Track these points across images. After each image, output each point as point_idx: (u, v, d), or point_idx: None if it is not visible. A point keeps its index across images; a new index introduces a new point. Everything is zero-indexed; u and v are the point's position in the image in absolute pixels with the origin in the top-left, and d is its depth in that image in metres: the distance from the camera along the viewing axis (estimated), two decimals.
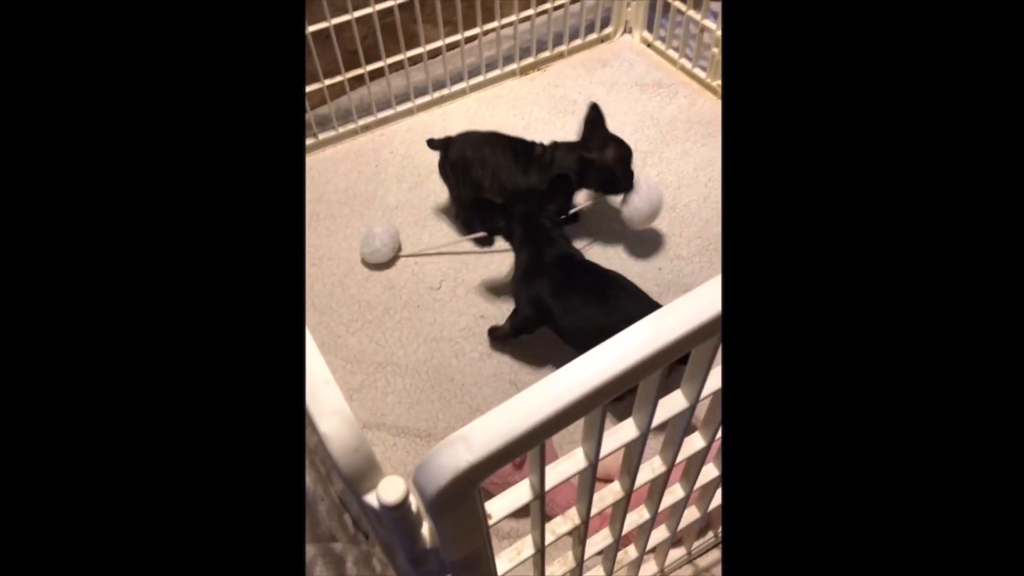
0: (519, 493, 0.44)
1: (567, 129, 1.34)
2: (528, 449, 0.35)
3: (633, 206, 1.09)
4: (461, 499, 0.35)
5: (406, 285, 1.12)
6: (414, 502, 0.36)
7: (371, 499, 0.35)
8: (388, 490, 0.34)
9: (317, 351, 0.37)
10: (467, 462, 0.33)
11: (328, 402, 0.35)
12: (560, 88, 1.42)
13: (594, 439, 0.42)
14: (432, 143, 1.14)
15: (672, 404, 0.47)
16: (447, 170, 1.13)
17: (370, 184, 1.27)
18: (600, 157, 1.07)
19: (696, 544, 0.82)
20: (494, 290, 1.12)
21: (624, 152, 1.08)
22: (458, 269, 1.14)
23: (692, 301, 0.38)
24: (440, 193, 1.24)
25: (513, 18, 1.36)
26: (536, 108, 1.38)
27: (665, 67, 1.46)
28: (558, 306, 0.93)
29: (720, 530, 0.83)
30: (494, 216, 1.00)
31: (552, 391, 0.35)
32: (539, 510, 0.46)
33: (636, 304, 0.91)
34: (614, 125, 1.37)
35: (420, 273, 1.13)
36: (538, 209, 1.00)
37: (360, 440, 0.34)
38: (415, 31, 1.28)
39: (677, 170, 1.27)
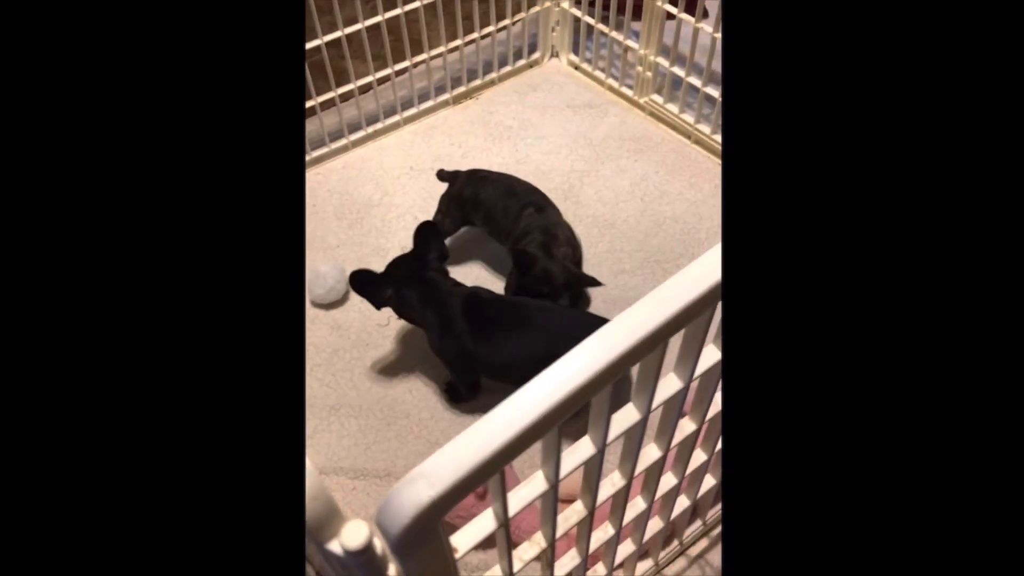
0: (483, 523, 0.44)
1: (504, 155, 1.35)
2: (489, 477, 0.36)
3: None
4: (425, 536, 0.35)
5: (353, 324, 1.11)
6: (378, 544, 0.36)
7: (334, 546, 0.34)
8: (351, 536, 0.34)
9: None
10: (429, 497, 0.33)
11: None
12: (494, 115, 1.44)
13: (553, 460, 0.43)
14: (441, 175, 1.16)
15: (626, 418, 0.48)
16: (444, 201, 1.14)
17: (309, 224, 1.26)
18: (546, 272, 1.00)
19: (662, 554, 0.83)
20: None
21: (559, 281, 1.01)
22: None
23: (632, 315, 0.39)
24: (381, 228, 1.24)
25: (442, 49, 1.37)
26: (472, 136, 1.40)
27: (594, 87, 1.50)
28: (484, 350, 0.92)
29: (684, 537, 0.84)
30: (378, 288, 0.94)
31: (506, 418, 0.35)
32: (504, 538, 0.46)
33: (557, 319, 0.91)
34: (549, 146, 1.40)
35: (368, 311, 1.12)
36: (420, 265, 0.95)
37: (318, 488, 0.34)
38: (344, 67, 1.28)
39: (614, 187, 1.30)
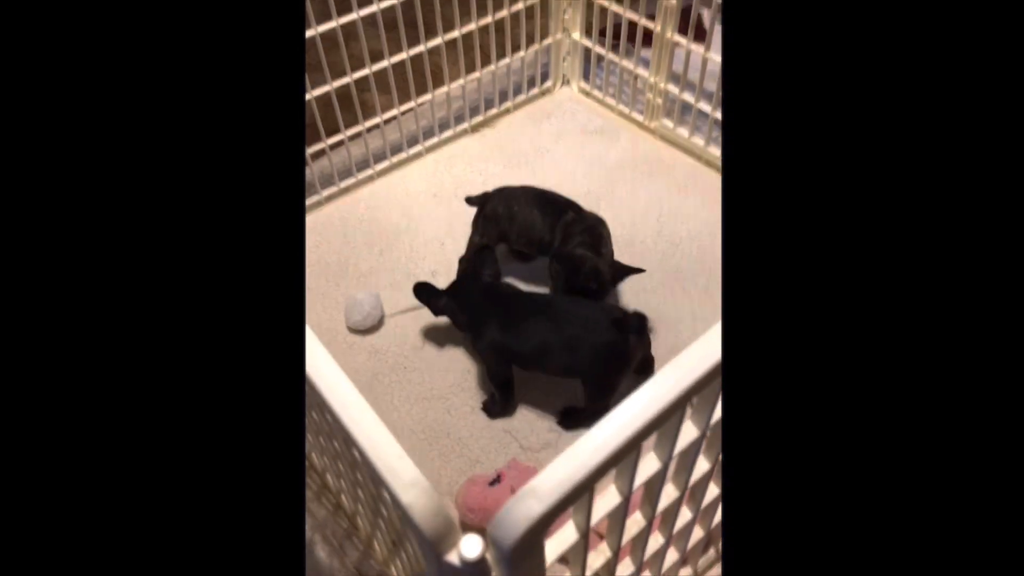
0: (566, 535, 0.48)
1: (522, 180, 1.40)
2: (584, 494, 0.41)
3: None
4: (533, 547, 0.40)
5: (390, 348, 1.16)
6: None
7: (452, 558, 0.39)
8: (469, 547, 0.39)
9: (386, 430, 0.42)
10: (538, 512, 0.38)
11: (405, 475, 0.40)
12: (512, 142, 1.50)
13: (628, 476, 0.48)
14: (470, 199, 1.23)
15: (685, 435, 0.53)
16: (479, 222, 1.21)
17: (340, 253, 1.31)
18: (595, 269, 1.07)
19: (700, 561, 0.88)
20: None
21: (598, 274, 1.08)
22: (440, 326, 1.18)
23: (696, 348, 0.44)
24: (410, 254, 1.29)
25: (460, 81, 1.43)
26: (491, 163, 1.45)
27: (605, 113, 1.56)
28: (512, 339, 0.99)
29: (720, 545, 0.89)
30: (435, 297, 1.08)
31: (596, 443, 0.40)
32: (583, 548, 0.51)
33: (583, 308, 0.99)
34: (565, 171, 1.45)
35: (404, 335, 1.17)
36: (472, 279, 1.08)
37: (439, 505, 0.39)
38: (371, 101, 1.34)
39: (630, 208, 1.35)
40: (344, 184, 1.40)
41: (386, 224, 1.35)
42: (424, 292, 1.08)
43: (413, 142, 1.46)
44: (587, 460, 0.39)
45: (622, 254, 1.28)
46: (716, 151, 1.40)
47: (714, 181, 1.40)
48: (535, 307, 1.01)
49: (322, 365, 0.46)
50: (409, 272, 1.27)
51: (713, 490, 0.70)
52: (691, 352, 0.44)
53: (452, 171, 1.44)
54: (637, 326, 0.97)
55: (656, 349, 1.08)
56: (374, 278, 1.26)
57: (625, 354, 0.97)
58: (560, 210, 1.17)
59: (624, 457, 0.41)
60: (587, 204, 1.21)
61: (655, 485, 0.54)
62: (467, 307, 1.05)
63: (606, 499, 0.50)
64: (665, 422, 0.43)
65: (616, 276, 1.11)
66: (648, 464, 0.51)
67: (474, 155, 1.48)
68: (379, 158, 1.43)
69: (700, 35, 1.35)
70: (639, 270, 1.11)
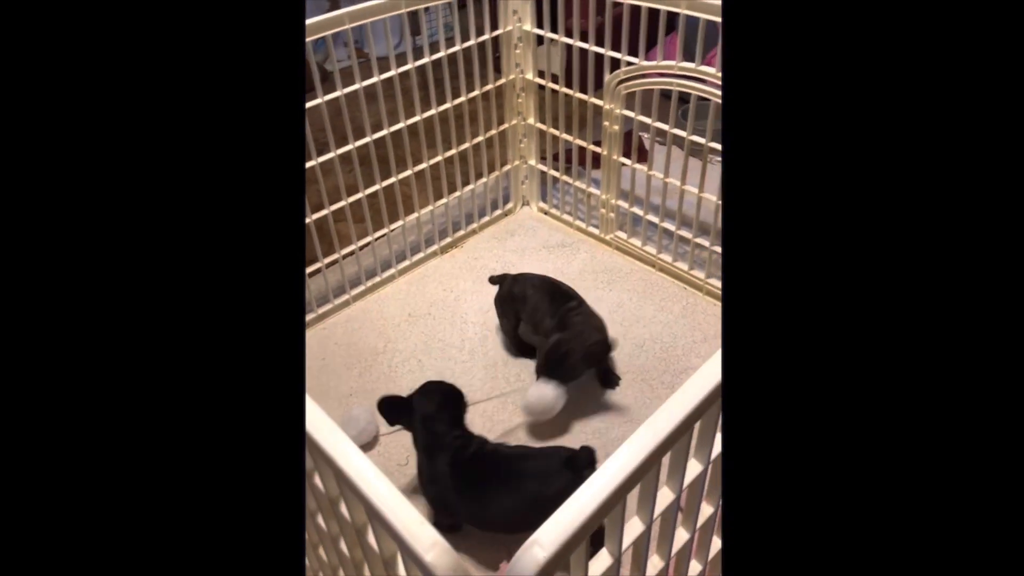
0: None
1: (491, 296, 1.49)
2: (581, 543, 0.46)
3: (530, 399, 1.18)
4: None
5: (378, 464, 1.19)
6: None
7: None
8: None
9: (406, 502, 0.47)
10: (544, 558, 0.43)
11: (426, 538, 0.45)
12: (479, 259, 1.60)
13: (617, 535, 0.53)
14: (492, 279, 1.36)
15: (663, 498, 0.59)
16: (499, 302, 1.33)
17: (321, 377, 1.36)
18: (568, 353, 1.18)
19: None
20: None
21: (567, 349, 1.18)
22: None
23: (667, 408, 0.51)
24: (388, 374, 1.35)
25: (430, 207, 1.55)
26: (461, 280, 1.55)
27: (564, 229, 1.68)
28: (474, 506, 0.99)
29: None
30: (396, 412, 1.05)
31: (587, 498, 0.46)
32: None
33: (534, 460, 0.99)
34: None
35: (385, 452, 1.21)
36: (436, 413, 1.04)
37: (459, 564, 0.44)
38: (346, 231, 1.44)
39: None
40: (322, 310, 1.47)
41: (363, 347, 1.41)
42: (390, 406, 1.05)
43: (387, 266, 1.55)
44: (576, 515, 0.45)
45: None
46: (668, 258, 1.52)
47: (668, 287, 1.51)
48: (499, 472, 0.99)
49: (344, 448, 0.51)
50: (389, 391, 1.31)
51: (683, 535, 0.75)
52: (650, 423, 0.51)
53: (425, 291, 1.53)
54: (587, 460, 0.98)
55: None
56: (355, 400, 1.31)
57: None
58: (565, 299, 1.27)
59: (608, 512, 0.47)
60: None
61: (641, 545, 0.59)
62: (423, 447, 1.03)
63: (599, 560, 0.55)
64: (645, 473, 0.49)
65: (589, 358, 1.19)
66: (632, 526, 0.57)
67: (445, 274, 1.57)
68: (355, 283, 1.51)
69: (643, 156, 1.50)
70: (612, 374, 1.22)
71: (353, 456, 0.50)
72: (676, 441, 0.51)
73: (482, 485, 0.99)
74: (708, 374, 0.53)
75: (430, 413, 1.04)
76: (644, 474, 0.49)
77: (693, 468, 0.61)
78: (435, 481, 1.02)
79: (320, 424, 0.52)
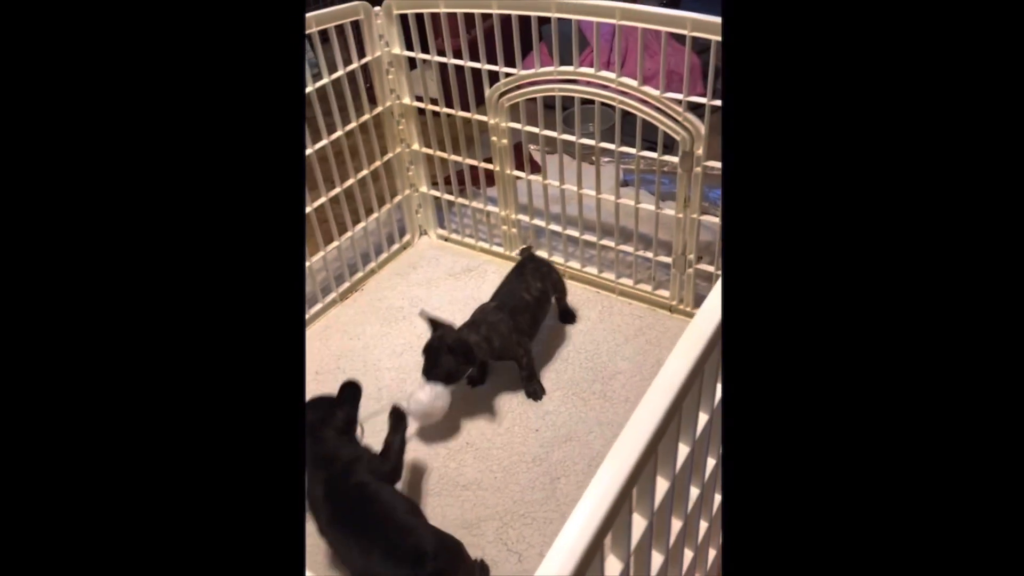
0: None
1: (404, 335, 1.42)
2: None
3: (410, 403, 1.14)
4: None
5: None
6: None
7: None
8: None
9: None
10: None
11: None
12: (383, 300, 1.51)
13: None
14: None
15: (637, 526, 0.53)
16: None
17: None
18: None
19: None
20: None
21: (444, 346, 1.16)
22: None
23: (620, 445, 0.46)
24: None
25: (321, 253, 1.45)
26: (367, 326, 1.45)
27: (467, 253, 1.62)
28: (332, 539, 0.94)
29: None
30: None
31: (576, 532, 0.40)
32: None
33: (391, 532, 0.90)
34: (444, 315, 1.47)
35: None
36: (323, 419, 1.00)
37: None
38: None
39: None
40: None
41: None
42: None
43: None
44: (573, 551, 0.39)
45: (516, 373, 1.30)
46: (577, 264, 1.49)
47: (582, 293, 1.47)
48: (356, 516, 0.92)
49: None
50: None
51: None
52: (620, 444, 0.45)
53: (329, 345, 1.43)
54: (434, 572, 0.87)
55: (575, 463, 1.08)
56: None
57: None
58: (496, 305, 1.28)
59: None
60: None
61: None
62: (309, 459, 0.97)
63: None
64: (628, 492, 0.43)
65: (458, 355, 1.15)
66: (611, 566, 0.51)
67: (348, 321, 1.47)
68: None
69: (535, 167, 1.47)
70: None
71: None
72: (641, 473, 0.46)
73: (342, 526, 0.93)
74: (664, 387, 0.48)
75: (316, 421, 1.00)
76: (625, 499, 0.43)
77: (661, 486, 0.56)
78: (312, 505, 0.96)
79: None
